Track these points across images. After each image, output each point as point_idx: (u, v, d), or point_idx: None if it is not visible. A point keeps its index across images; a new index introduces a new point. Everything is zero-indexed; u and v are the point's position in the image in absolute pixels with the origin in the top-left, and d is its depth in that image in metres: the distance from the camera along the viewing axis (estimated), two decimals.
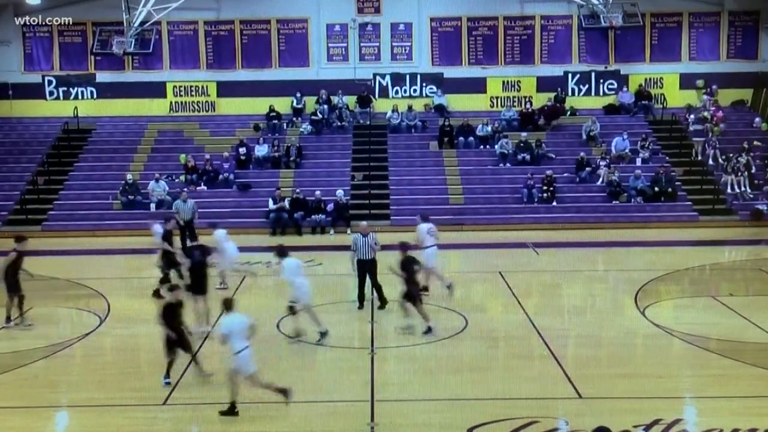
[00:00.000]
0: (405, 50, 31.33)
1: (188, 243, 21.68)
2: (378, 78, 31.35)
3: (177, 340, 12.74)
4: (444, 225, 25.48)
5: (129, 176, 27.16)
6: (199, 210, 25.95)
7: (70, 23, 30.22)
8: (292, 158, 28.67)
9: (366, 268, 16.97)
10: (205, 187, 27.49)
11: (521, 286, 19.09)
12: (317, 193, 26.26)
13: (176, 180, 27.50)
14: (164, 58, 30.69)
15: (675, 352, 14.58)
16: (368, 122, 30.60)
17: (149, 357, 14.60)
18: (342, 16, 30.94)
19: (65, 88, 30.88)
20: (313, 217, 25.94)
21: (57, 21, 30.09)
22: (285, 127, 30.34)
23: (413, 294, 15.24)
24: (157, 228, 18.64)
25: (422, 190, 27.59)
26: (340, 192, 26.24)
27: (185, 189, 25.27)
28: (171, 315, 12.67)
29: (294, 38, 31.05)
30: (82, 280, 19.89)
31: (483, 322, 16.41)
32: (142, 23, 27.16)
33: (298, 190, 26.49)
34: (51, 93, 30.90)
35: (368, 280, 17.09)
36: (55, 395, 12.91)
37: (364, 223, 18.01)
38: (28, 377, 13.47)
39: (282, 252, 15.37)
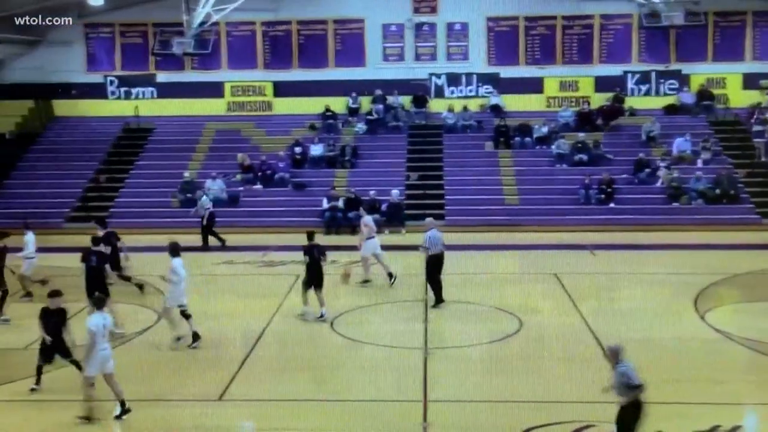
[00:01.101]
0: (461, 50, 31.20)
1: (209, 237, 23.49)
2: (434, 78, 31.28)
3: (54, 346, 12.54)
4: (499, 226, 25.49)
5: (186, 175, 27.56)
6: (254, 209, 26.31)
7: (132, 24, 30.85)
8: (347, 158, 28.77)
9: (437, 262, 17.21)
10: (261, 187, 27.74)
11: (577, 288, 18.85)
12: (372, 192, 26.30)
13: (232, 179, 27.80)
14: (222, 58, 31.08)
15: (735, 357, 14.24)
16: (423, 122, 30.54)
17: (205, 353, 14.81)
18: (398, 16, 30.95)
19: (126, 88, 31.47)
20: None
21: (119, 22, 30.74)
22: (340, 126, 30.46)
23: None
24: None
25: (477, 190, 27.45)
26: (395, 192, 26.24)
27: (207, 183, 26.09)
28: (48, 320, 12.48)
29: (350, 38, 31.16)
30: (141, 276, 20.20)
31: (537, 323, 16.25)
32: (202, 24, 27.51)
33: (352, 190, 26.56)
34: (113, 93, 31.52)
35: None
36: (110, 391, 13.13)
37: (431, 219, 18.39)
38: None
39: (174, 250, 15.15)
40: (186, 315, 14.98)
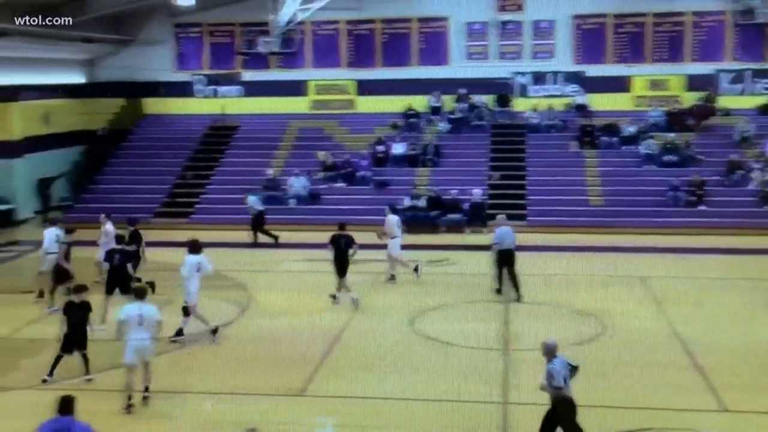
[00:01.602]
0: (546, 48, 30.74)
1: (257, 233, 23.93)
2: (518, 76, 30.91)
3: (75, 338, 12.89)
4: (582, 227, 24.99)
5: (270, 172, 27.92)
6: (336, 207, 26.43)
7: (220, 24, 31.47)
8: (429, 157, 28.67)
9: (508, 258, 17.65)
10: (343, 185, 27.89)
11: (664, 292, 18.34)
12: (453, 192, 26.14)
13: (315, 177, 28.03)
14: (306, 57, 31.38)
15: None
16: (507, 121, 30.22)
17: (288, 348, 14.95)
18: (482, 14, 30.69)
19: (213, 87, 32.09)
20: (448, 216, 25.84)
21: (207, 22, 31.40)
22: (423, 125, 30.38)
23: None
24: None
25: (560, 190, 26.99)
26: (477, 191, 26.01)
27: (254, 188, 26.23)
28: (72, 314, 12.86)
29: (433, 37, 31.06)
30: (226, 272, 20.55)
31: (621, 327, 15.85)
32: (287, 23, 27.85)
33: (434, 189, 26.46)
34: (200, 91, 32.17)
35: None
36: (195, 382, 13.37)
37: (503, 215, 18.81)
38: (170, 363, 14.02)
39: (192, 248, 15.38)
40: (186, 311, 15.09)
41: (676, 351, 14.32)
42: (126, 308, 12.33)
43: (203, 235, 24.32)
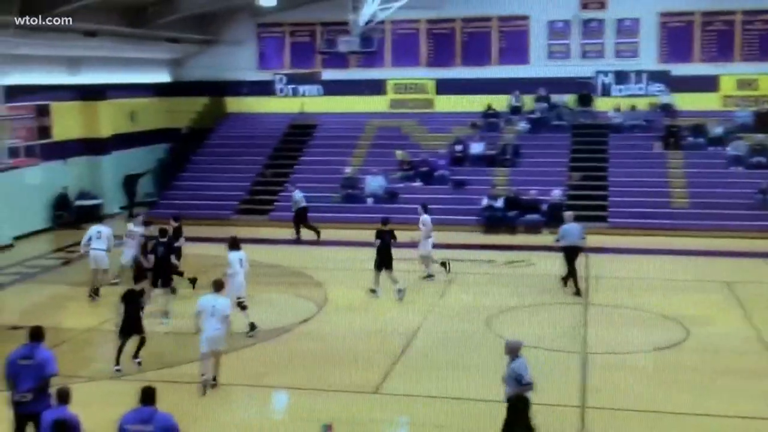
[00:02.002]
0: (630, 47, 30.09)
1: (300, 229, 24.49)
2: (600, 76, 30.34)
3: (131, 324, 13.43)
4: (665, 229, 24.39)
5: (348, 170, 28.08)
6: (413, 206, 26.35)
7: (301, 24, 31.82)
8: (508, 156, 28.40)
9: (573, 253, 18.01)
10: (421, 184, 27.85)
11: (750, 298, 17.73)
12: (532, 192, 25.82)
13: (392, 176, 28.07)
14: (385, 56, 31.44)
15: None
16: (588, 121, 29.70)
17: (363, 346, 15.02)
18: (565, 13, 30.24)
19: (293, 86, 32.46)
20: (527, 216, 25.54)
21: (288, 22, 31.80)
22: (502, 125, 30.11)
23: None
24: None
25: (643, 192, 26.37)
26: (557, 192, 25.63)
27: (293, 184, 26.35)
28: (129, 301, 13.46)
29: (514, 35, 30.75)
30: (303, 269, 20.77)
31: (706, 333, 15.39)
32: (367, 23, 27.92)
33: (512, 189, 26.20)
34: (281, 90, 32.59)
35: None
36: (272, 376, 13.55)
37: (570, 212, 19.18)
38: (248, 358, 14.23)
39: (232, 244, 15.81)
40: (242, 306, 15.29)
41: (762, 358, 13.83)
42: (201, 300, 12.72)
43: (281, 233, 24.96)
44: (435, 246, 19.65)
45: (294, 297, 18.35)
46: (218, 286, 12.87)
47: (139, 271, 17.36)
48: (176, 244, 17.77)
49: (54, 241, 23.77)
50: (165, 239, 16.89)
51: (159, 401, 8.55)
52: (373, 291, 18.08)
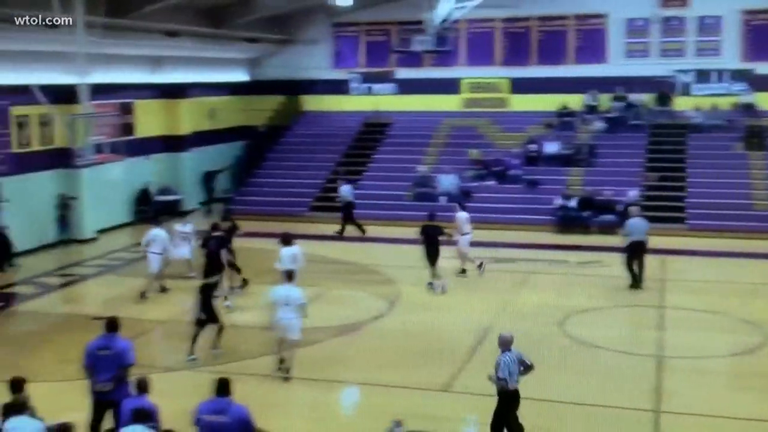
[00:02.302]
0: (712, 45, 29.36)
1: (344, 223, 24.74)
2: (680, 74, 29.69)
3: (207, 316, 13.91)
4: (746, 232, 23.75)
5: (421, 169, 28.13)
6: (486, 205, 26.33)
7: (376, 23, 32.01)
8: (583, 156, 28.04)
9: (638, 249, 18.24)
10: (494, 183, 27.72)
11: None
12: (607, 192, 25.44)
13: (465, 174, 28.01)
14: (460, 55, 31.38)
15: None
16: (666, 121, 29.10)
17: (433, 344, 15.05)
18: (643, 10, 29.67)
19: (368, 84, 32.67)
20: (601, 216, 25.18)
21: (364, 21, 32.03)
22: (577, 124, 29.74)
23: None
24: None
25: (722, 193, 25.69)
26: (633, 192, 25.19)
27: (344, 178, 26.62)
28: (205, 294, 14.00)
29: (591, 34, 30.32)
30: (375, 267, 20.92)
31: None
32: (442, 22, 27.91)
33: (587, 189, 25.85)
34: (355, 89, 32.83)
35: None
36: (344, 372, 13.70)
37: (635, 208, 19.43)
38: (321, 353, 14.42)
39: (285, 240, 16.45)
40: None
41: None
42: (275, 290, 13.13)
43: (353, 230, 25.12)
44: (509, 246, 19.63)
45: (366, 294, 18.50)
46: (290, 276, 13.30)
47: (211, 265, 17.70)
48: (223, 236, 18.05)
49: (135, 235, 24.41)
50: (217, 234, 17.34)
51: (233, 393, 8.75)
52: (430, 284, 18.46)
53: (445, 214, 26.03)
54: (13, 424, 8.35)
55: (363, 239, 24.59)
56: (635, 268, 18.36)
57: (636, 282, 18.31)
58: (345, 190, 25.27)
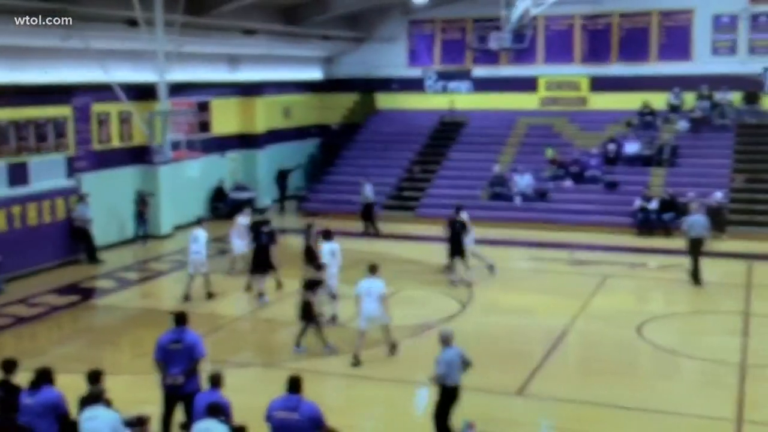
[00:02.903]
0: None
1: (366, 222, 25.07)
2: None
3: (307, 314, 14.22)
4: None
5: (496, 168, 27.74)
6: (563, 206, 25.82)
7: (452, 20, 31.73)
8: (665, 157, 27.21)
9: (696, 245, 18.32)
10: (571, 183, 27.14)
11: None
12: (690, 194, 24.60)
13: (542, 174, 27.51)
14: (538, 52, 30.85)
15: None
16: (755, 121, 28.02)
17: (506, 347, 14.79)
18: (732, 6, 28.62)
19: (443, 82, 32.40)
20: (683, 219, 24.34)
21: (440, 18, 31.80)
22: (659, 124, 28.89)
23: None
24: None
25: None
26: (718, 194, 24.32)
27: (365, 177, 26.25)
28: (310, 289, 14.31)
29: (676, 31, 29.41)
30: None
31: None
32: (520, 19, 27.50)
33: (669, 191, 25.07)
34: (430, 87, 32.60)
35: None
36: (416, 372, 13.51)
37: (697, 203, 19.90)
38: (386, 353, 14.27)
39: (326, 235, 16.67)
40: (332, 296, 16.02)
41: None
42: (359, 284, 13.84)
43: (428, 230, 24.96)
44: (587, 248, 19.22)
45: (438, 294, 18.28)
46: (373, 269, 13.99)
47: (260, 260, 17.72)
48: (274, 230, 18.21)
49: (210, 231, 24.70)
50: (268, 229, 17.54)
51: (304, 390, 8.67)
52: (452, 282, 18.74)
53: (521, 215, 25.86)
54: (90, 414, 8.49)
55: (429, 238, 24.39)
56: (691, 265, 18.43)
57: (696, 279, 18.34)
58: (368, 190, 25.33)
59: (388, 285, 16.99)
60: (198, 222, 19.02)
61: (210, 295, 17.74)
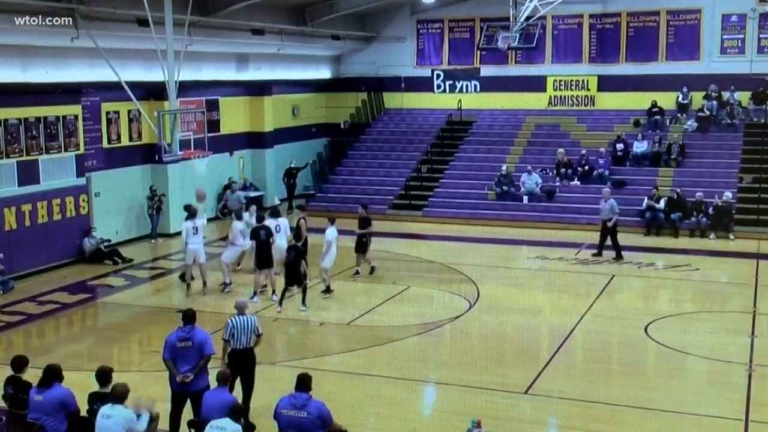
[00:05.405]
0: None
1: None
2: None
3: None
4: None
5: (504, 168, 27.73)
6: (570, 205, 25.80)
7: (460, 20, 31.74)
8: (673, 156, 27.17)
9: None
10: (579, 182, 27.12)
11: None
12: (698, 194, 24.57)
13: (549, 173, 27.51)
14: (546, 52, 30.82)
15: None
16: (763, 120, 27.96)
17: (513, 346, 14.81)
18: (741, 5, 28.53)
19: (451, 82, 32.39)
20: (691, 219, 24.34)
21: (448, 18, 31.80)
22: (667, 123, 28.85)
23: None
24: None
25: None
26: (727, 194, 24.28)
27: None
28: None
29: (684, 30, 29.35)
30: (456, 266, 20.71)
31: None
32: (528, 18, 27.48)
33: (676, 190, 25.04)
34: (438, 86, 32.60)
35: None
36: (424, 370, 13.59)
37: (607, 189, 20.65)
38: (399, 351, 14.32)
39: (332, 220, 17.80)
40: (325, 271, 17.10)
41: None
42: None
43: (434, 229, 25.03)
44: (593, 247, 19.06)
45: (446, 293, 18.32)
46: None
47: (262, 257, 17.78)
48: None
49: (219, 229, 24.83)
50: (265, 224, 17.70)
51: (312, 389, 8.73)
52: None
53: (531, 215, 25.86)
54: (107, 411, 8.54)
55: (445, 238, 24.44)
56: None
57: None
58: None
59: (396, 283, 17.22)
60: (191, 215, 18.37)
61: (205, 284, 18.07)
